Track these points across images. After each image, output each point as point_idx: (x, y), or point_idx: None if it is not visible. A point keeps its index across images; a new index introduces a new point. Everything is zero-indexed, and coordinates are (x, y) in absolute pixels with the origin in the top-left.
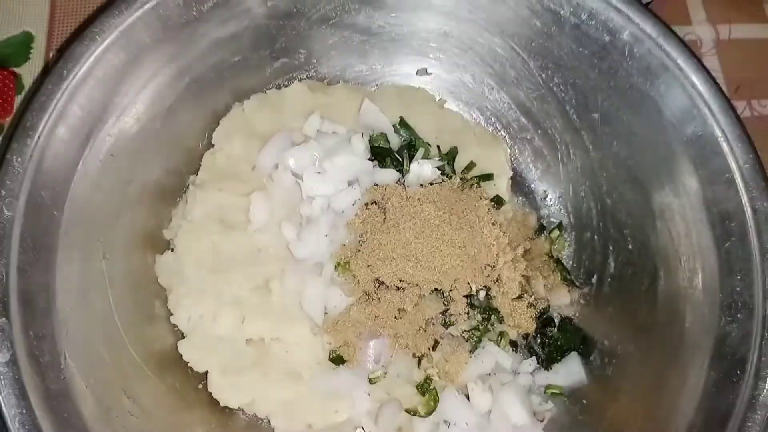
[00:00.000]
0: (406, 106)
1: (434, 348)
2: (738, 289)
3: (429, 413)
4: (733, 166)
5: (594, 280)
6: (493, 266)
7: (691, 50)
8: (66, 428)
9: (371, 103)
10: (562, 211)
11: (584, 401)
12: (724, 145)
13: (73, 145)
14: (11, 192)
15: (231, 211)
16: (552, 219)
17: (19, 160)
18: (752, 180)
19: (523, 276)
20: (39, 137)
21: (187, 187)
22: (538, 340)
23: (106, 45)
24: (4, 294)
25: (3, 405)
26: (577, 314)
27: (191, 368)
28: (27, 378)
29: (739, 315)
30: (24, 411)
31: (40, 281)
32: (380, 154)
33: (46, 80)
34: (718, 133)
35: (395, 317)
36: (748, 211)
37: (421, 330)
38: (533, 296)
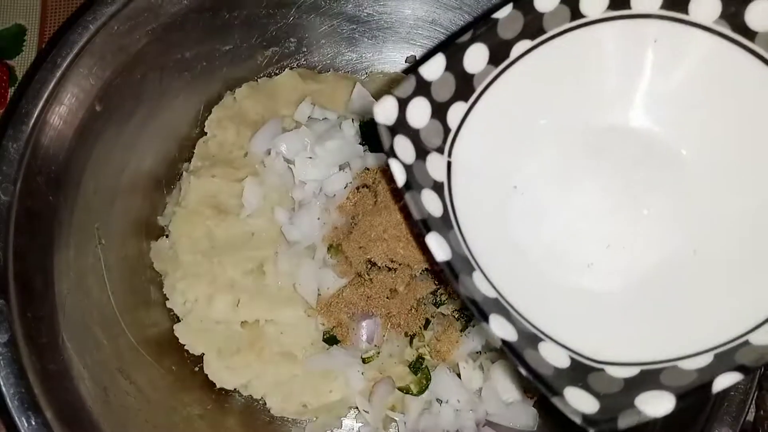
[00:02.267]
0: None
1: (426, 327)
2: None
3: (421, 391)
4: None
5: None
6: None
7: None
8: (64, 407)
9: (362, 87)
10: None
11: None
12: None
13: (67, 131)
14: (7, 177)
15: (224, 197)
16: None
17: (14, 146)
18: None
19: None
20: (34, 124)
21: (181, 174)
22: None
23: (99, 33)
24: (2, 276)
25: (2, 384)
26: None
27: (187, 351)
28: (25, 358)
29: None
30: (23, 390)
31: (38, 264)
32: (370, 138)
33: (40, 68)
34: None
35: (387, 297)
36: None
37: (413, 309)
38: None
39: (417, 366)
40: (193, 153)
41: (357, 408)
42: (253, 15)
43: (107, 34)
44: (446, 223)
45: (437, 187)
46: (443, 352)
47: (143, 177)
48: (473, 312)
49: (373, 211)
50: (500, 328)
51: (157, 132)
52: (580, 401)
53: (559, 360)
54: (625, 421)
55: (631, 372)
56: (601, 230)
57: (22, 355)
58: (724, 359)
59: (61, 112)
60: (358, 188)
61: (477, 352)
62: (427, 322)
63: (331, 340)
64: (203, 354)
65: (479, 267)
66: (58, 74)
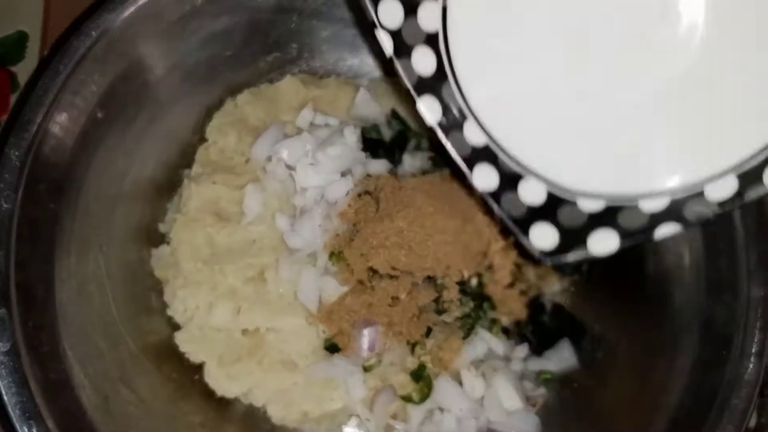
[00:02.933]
0: (398, 99)
1: (428, 335)
2: (723, 269)
3: (423, 400)
4: None
5: (584, 267)
6: (485, 253)
7: None
8: (66, 415)
9: (366, 92)
10: None
11: (575, 385)
12: None
13: (68, 138)
14: (9, 185)
15: (225, 204)
16: None
17: (16, 153)
18: None
19: (514, 263)
20: (36, 131)
21: (182, 180)
22: (530, 327)
23: (101, 40)
24: (4, 285)
25: (3, 393)
26: (568, 301)
27: (188, 359)
28: (27, 367)
29: (724, 295)
30: (25, 399)
31: (39, 273)
32: (372, 145)
33: (42, 75)
34: None
35: (389, 305)
36: None
37: (415, 317)
38: (525, 283)
39: (419, 374)
40: (194, 159)
41: (358, 416)
42: (254, 21)
43: (109, 41)
44: (440, 77)
45: (430, 39)
46: (445, 361)
47: (144, 184)
48: (459, 164)
49: (375, 218)
50: (483, 179)
51: (159, 138)
52: (543, 236)
53: (536, 196)
54: (573, 256)
55: (598, 206)
56: (599, 58)
57: (24, 364)
58: (674, 208)
59: (63, 119)
60: (359, 195)
61: (479, 361)
62: (429, 330)
63: (332, 348)
64: (204, 362)
65: (472, 113)
66: (60, 81)
